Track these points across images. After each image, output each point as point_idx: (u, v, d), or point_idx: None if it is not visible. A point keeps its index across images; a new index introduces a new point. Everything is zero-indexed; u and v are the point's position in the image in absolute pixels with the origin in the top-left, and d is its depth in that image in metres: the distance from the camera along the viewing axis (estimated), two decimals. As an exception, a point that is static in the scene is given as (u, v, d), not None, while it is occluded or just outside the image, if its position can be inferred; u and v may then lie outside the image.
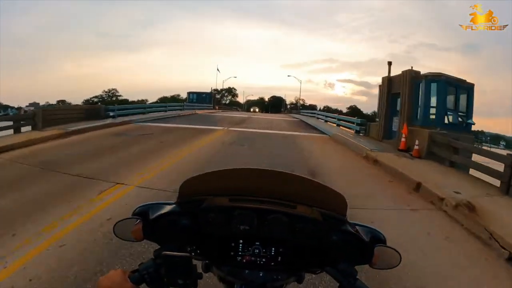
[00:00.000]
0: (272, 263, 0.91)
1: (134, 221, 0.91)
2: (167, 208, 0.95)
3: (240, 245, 0.91)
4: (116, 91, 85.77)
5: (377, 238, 0.93)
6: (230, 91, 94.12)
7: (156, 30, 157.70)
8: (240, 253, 0.91)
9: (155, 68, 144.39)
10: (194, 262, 0.82)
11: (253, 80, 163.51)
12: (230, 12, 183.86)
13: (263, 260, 0.91)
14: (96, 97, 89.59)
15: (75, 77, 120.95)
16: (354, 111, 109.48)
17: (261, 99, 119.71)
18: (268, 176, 0.99)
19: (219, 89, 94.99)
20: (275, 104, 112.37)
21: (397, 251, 0.89)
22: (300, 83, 44.65)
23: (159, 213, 0.93)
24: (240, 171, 0.99)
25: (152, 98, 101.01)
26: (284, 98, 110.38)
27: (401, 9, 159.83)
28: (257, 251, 0.91)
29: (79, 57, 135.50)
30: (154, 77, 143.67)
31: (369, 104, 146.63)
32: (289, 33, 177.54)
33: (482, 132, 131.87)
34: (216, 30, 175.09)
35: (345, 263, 0.86)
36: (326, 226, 0.91)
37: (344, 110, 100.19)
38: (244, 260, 0.91)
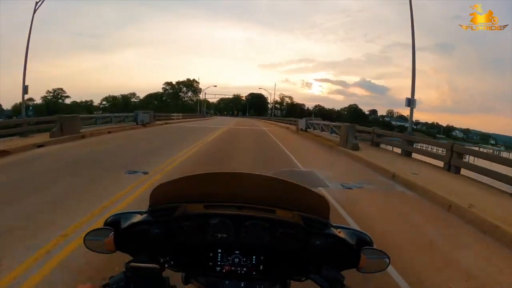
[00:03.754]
0: (254, 272, 0.86)
1: (106, 232, 0.85)
2: (139, 217, 0.90)
3: (219, 254, 0.86)
4: (63, 91, 76.67)
5: (363, 241, 0.88)
6: (190, 85, 69.68)
7: (129, 30, 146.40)
8: (219, 263, 0.86)
9: (128, 69, 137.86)
10: (170, 274, 0.81)
11: (228, 80, 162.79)
12: (205, 12, 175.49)
13: (244, 269, 0.86)
14: (30, 99, 72.85)
15: (48, 78, 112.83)
16: (354, 111, 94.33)
17: (237, 96, 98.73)
18: (245, 180, 0.95)
19: (173, 82, 71.82)
20: (254, 104, 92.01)
21: (385, 253, 0.86)
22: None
23: (130, 222, 0.88)
24: (215, 176, 0.94)
25: (97, 100, 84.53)
26: (266, 96, 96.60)
27: (376, 10, 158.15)
28: (237, 260, 0.86)
29: (52, 58, 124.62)
30: (125, 78, 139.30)
31: (345, 103, 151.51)
32: (265, 33, 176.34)
33: (468, 131, 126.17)
34: (190, 30, 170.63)
35: (331, 268, 0.81)
36: (308, 230, 0.86)
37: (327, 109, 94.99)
38: (224, 270, 0.86)
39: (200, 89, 66.33)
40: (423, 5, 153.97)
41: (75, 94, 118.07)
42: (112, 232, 0.85)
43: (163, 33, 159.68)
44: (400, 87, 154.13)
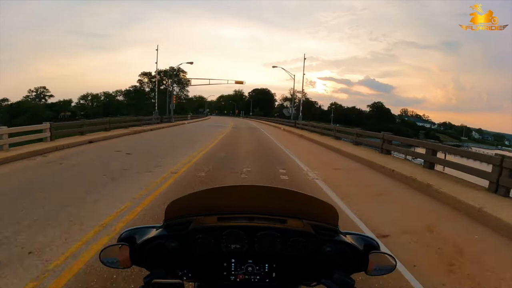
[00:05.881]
0: (267, 280, 0.89)
1: (121, 247, 0.86)
2: (154, 232, 0.90)
3: (232, 264, 0.88)
4: (46, 90, 68.25)
5: (370, 245, 0.92)
6: (175, 75, 52.38)
7: (134, 30, 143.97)
8: (233, 272, 0.88)
9: (130, 68, 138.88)
10: (186, 285, 0.81)
11: (232, 78, 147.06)
12: (209, 11, 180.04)
13: (257, 277, 0.88)
14: (4, 100, 61.65)
15: (48, 78, 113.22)
16: (379, 111, 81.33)
17: (238, 93, 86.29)
18: (256, 192, 0.97)
19: (152, 73, 51.40)
20: (259, 102, 77.63)
21: (391, 256, 0.89)
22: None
23: (146, 237, 0.88)
24: (227, 189, 0.97)
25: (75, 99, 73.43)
26: (273, 93, 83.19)
27: (381, 8, 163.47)
28: (250, 269, 0.88)
29: (55, 57, 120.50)
30: (127, 77, 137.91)
31: (350, 102, 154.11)
32: (269, 32, 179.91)
33: (481, 131, 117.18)
34: (194, 29, 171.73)
35: (341, 273, 0.83)
36: (318, 238, 0.89)
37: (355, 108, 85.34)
38: (238, 279, 0.88)
39: (189, 81, 51.04)
40: (429, 3, 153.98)
41: (73, 94, 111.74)
42: (127, 247, 0.85)
43: (167, 32, 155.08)
44: (405, 86, 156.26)
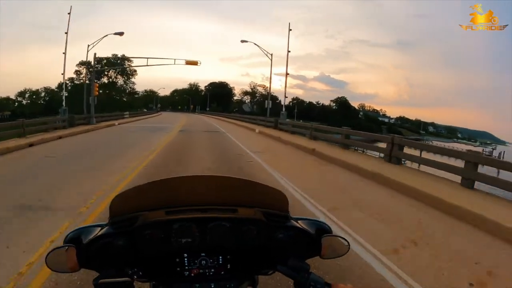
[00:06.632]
0: (222, 272, 0.87)
1: (68, 249, 0.81)
2: (100, 231, 0.86)
3: (185, 259, 0.85)
4: None
5: (323, 229, 0.92)
6: (118, 64, 44.86)
7: (86, 21, 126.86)
8: (186, 267, 0.85)
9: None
10: (139, 285, 0.79)
11: (188, 74, 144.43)
12: (165, 3, 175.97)
13: (212, 270, 0.86)
14: None
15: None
16: (342, 105, 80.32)
17: (193, 87, 80.00)
18: (204, 182, 0.95)
19: (91, 62, 45.93)
20: (216, 96, 71.09)
21: (344, 239, 0.89)
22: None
23: (91, 237, 0.83)
24: (175, 181, 0.92)
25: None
26: (232, 87, 79.32)
27: (337, 7, 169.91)
28: (204, 262, 0.86)
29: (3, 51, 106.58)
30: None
31: (305, 97, 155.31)
32: (226, 27, 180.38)
33: (433, 124, 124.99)
34: (151, 21, 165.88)
35: (296, 258, 0.83)
36: (270, 225, 0.89)
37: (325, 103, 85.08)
38: (192, 274, 0.85)
39: (135, 71, 44.58)
40: (384, 3, 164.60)
41: (14, 91, 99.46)
42: (73, 249, 0.80)
43: (122, 24, 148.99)
44: (358, 82, 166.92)
